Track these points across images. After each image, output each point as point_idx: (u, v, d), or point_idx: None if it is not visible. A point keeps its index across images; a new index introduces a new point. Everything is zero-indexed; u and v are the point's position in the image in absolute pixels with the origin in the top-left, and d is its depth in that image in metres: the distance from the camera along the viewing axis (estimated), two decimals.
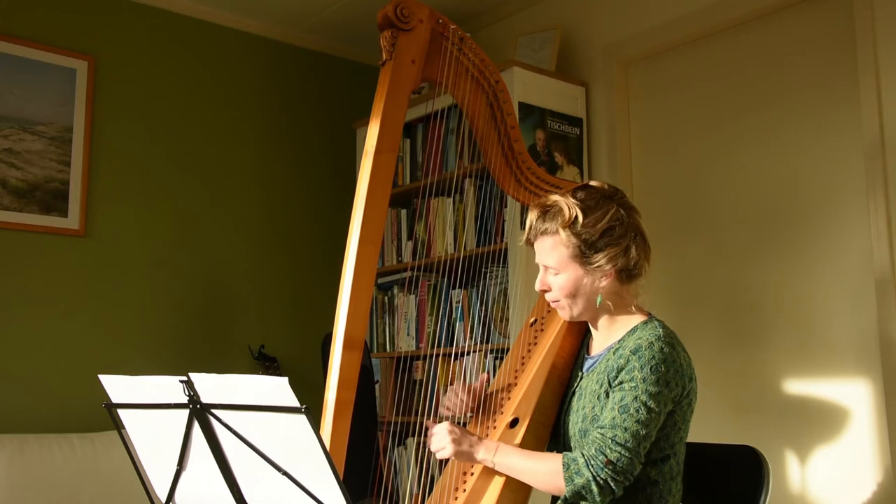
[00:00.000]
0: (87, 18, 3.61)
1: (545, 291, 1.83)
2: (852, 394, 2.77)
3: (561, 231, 1.75)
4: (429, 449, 1.82)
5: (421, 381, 3.60)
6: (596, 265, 1.75)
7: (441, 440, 1.76)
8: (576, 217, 1.74)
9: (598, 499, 1.61)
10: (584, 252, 1.75)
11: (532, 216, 1.82)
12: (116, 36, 3.68)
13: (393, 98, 1.86)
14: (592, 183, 1.86)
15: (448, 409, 1.92)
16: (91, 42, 3.60)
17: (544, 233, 1.79)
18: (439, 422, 1.81)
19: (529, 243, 1.85)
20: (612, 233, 1.75)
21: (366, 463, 3.03)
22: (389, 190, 1.85)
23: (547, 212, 1.79)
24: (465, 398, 1.92)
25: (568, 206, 1.76)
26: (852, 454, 2.75)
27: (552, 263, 1.78)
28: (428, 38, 1.92)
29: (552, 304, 1.85)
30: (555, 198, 1.80)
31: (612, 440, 1.61)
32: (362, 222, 1.78)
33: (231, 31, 4.03)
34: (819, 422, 2.84)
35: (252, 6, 3.94)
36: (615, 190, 1.84)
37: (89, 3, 3.63)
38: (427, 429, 1.84)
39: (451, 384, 1.99)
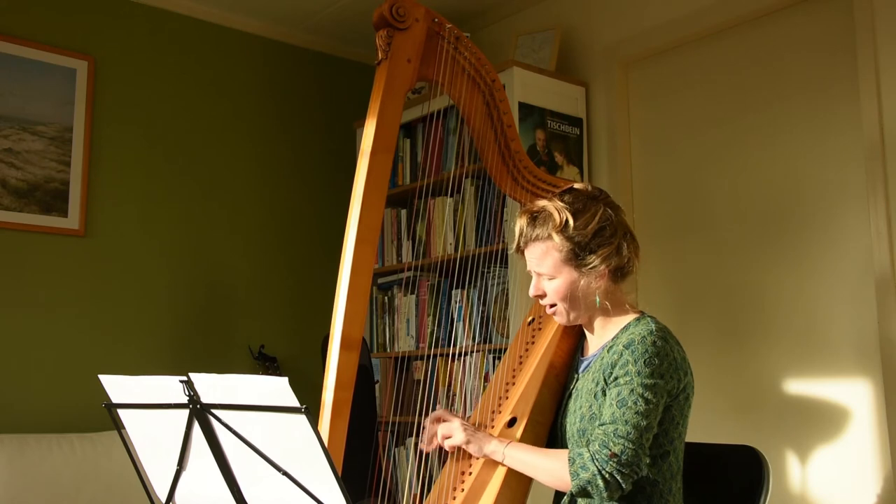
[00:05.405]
0: (87, 18, 3.61)
1: (540, 297, 1.84)
2: (852, 394, 2.77)
3: (554, 235, 1.75)
4: (422, 447, 1.83)
5: (421, 381, 3.60)
6: (590, 266, 1.75)
7: (452, 430, 1.80)
8: (566, 220, 1.75)
9: (604, 494, 1.61)
10: (578, 254, 1.75)
11: (521, 223, 1.82)
12: (116, 36, 3.68)
13: (389, 98, 1.85)
14: (576, 185, 1.87)
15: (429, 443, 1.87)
16: (91, 42, 3.60)
17: (535, 239, 1.79)
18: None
19: (520, 251, 1.84)
20: (604, 233, 1.76)
21: (366, 463, 3.03)
22: (386, 190, 1.84)
23: (536, 218, 1.80)
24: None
25: (557, 210, 1.77)
26: (852, 454, 2.75)
27: (546, 269, 1.78)
28: (424, 38, 1.91)
29: (548, 311, 1.86)
30: (542, 203, 1.81)
31: (615, 433, 1.61)
32: (359, 222, 1.78)
33: (231, 31, 4.03)
34: (819, 422, 2.84)
35: (252, 6, 3.94)
36: (599, 191, 1.85)
37: (89, 3, 3.63)
38: (424, 428, 1.85)
39: (450, 385, 1.99)
